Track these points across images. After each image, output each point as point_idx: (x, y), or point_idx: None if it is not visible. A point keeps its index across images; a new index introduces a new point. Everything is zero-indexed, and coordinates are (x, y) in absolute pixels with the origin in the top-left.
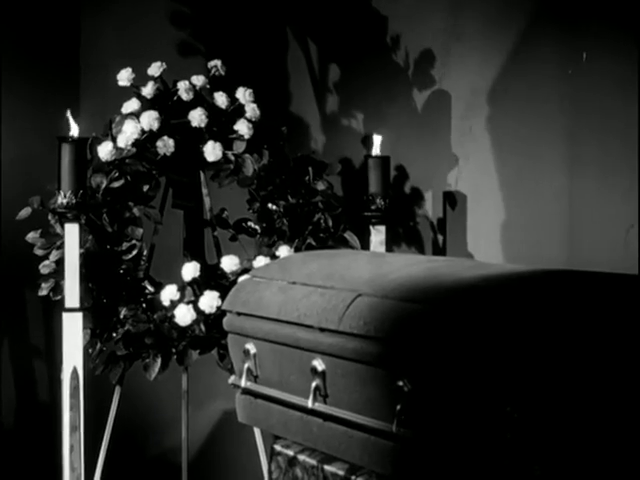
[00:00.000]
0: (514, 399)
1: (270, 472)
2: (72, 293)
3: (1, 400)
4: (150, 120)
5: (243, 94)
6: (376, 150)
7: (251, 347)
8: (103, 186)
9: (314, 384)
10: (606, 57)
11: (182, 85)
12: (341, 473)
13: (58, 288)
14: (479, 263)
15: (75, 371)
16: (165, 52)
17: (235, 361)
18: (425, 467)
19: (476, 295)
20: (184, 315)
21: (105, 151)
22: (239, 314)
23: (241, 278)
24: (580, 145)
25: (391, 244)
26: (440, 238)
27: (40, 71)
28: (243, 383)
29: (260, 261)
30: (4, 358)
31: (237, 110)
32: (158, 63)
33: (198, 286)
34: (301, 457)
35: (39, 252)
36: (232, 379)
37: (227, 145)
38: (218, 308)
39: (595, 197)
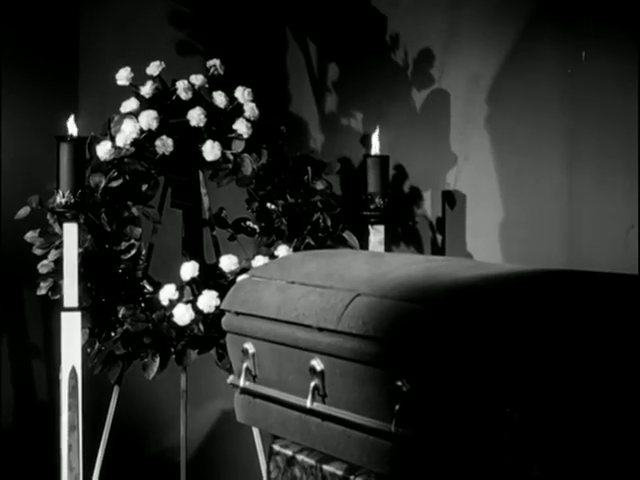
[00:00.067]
0: (513, 399)
1: (269, 472)
2: (71, 292)
3: (0, 399)
4: (149, 119)
5: (242, 93)
6: (375, 146)
7: (250, 347)
8: (102, 185)
9: (313, 384)
10: (605, 56)
11: (181, 84)
12: (340, 473)
13: (57, 287)
14: (478, 263)
15: (74, 370)
16: (164, 51)
17: (234, 361)
18: (424, 467)
19: (475, 295)
20: (183, 315)
21: (104, 150)
22: (238, 314)
23: (240, 278)
24: (579, 144)
25: (390, 244)
26: (439, 238)
27: (39, 70)
28: (242, 383)
29: (259, 261)
30: (3, 357)
31: (236, 109)
32: (157, 62)
33: (197, 286)
34: (300, 457)
35: (38, 251)
36: (231, 379)
37: (226, 144)
38: (217, 308)
39: (594, 196)
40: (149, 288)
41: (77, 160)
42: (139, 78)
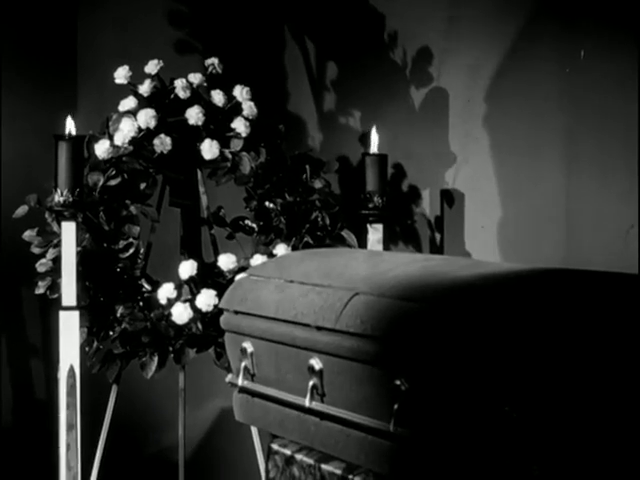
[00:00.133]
0: (512, 398)
1: (267, 471)
2: (69, 291)
3: None
4: (147, 118)
5: (240, 92)
6: (374, 144)
7: (248, 346)
8: (100, 184)
9: (311, 383)
10: (604, 55)
11: (179, 83)
12: (338, 472)
13: (55, 286)
14: (476, 262)
15: (72, 369)
16: (162, 50)
17: (232, 360)
18: (423, 466)
19: (473, 294)
20: (181, 313)
21: (102, 149)
22: (236, 312)
23: (238, 276)
24: (578, 143)
25: (388, 242)
26: (437, 236)
27: (37, 69)
28: (240, 382)
29: (257, 259)
30: (1, 356)
31: (234, 108)
32: (155, 61)
33: (195, 284)
34: (298, 456)
35: (36, 250)
36: (229, 377)
37: (224, 143)
38: (215, 306)
39: (593, 195)
40: (147, 287)
41: (75, 159)
42: (137, 77)
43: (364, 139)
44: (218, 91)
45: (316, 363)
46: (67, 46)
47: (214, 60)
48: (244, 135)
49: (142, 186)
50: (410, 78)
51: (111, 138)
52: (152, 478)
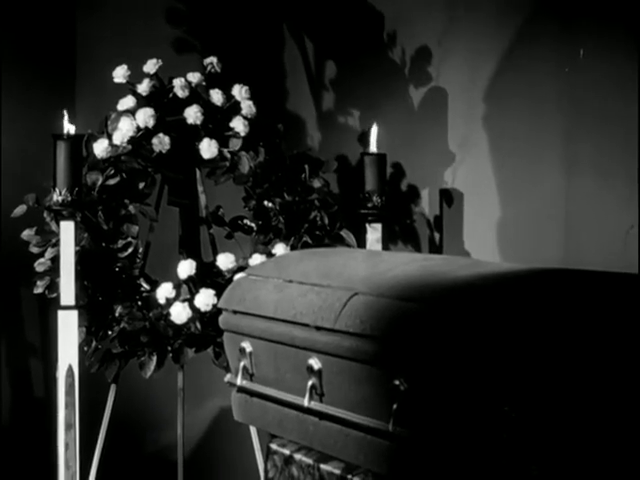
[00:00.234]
0: (511, 398)
1: (266, 471)
2: (67, 291)
3: None
4: (146, 117)
5: (239, 91)
6: (372, 144)
7: (247, 345)
8: (99, 183)
9: (310, 383)
10: (604, 54)
11: (178, 82)
12: (337, 472)
13: (53, 286)
14: (475, 261)
15: (70, 369)
16: (161, 49)
17: (231, 359)
18: (421, 466)
19: (473, 294)
20: (180, 313)
21: (101, 148)
22: (235, 312)
23: (237, 276)
24: (577, 143)
25: (387, 242)
26: (437, 236)
27: (36, 68)
28: (239, 381)
29: (256, 259)
30: (0, 356)
31: (233, 107)
32: (154, 60)
33: (194, 284)
34: (297, 456)
35: (34, 250)
36: (228, 377)
37: (223, 142)
38: (214, 306)
39: (592, 196)
40: (146, 286)
41: (74, 158)
42: (136, 76)
43: (363, 138)
44: (217, 90)
45: (315, 363)
46: (66, 45)
47: (213, 59)
48: (243, 134)
49: (141, 185)
50: (409, 77)
51: (110, 137)
52: (151, 477)
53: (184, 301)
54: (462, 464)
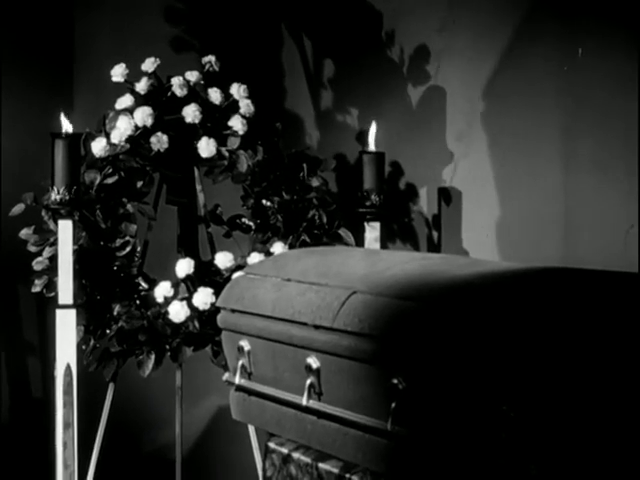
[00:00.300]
0: (510, 398)
1: (264, 470)
2: (65, 290)
3: None
4: (144, 116)
5: (237, 90)
6: (371, 142)
7: (245, 344)
8: (97, 182)
9: (308, 381)
10: (603, 52)
11: (176, 81)
12: (335, 471)
13: (51, 285)
14: (474, 260)
15: (68, 368)
16: (159, 48)
17: (229, 358)
18: (420, 465)
19: (471, 293)
20: (178, 312)
21: (99, 147)
22: (233, 311)
23: (235, 275)
24: (576, 141)
25: (386, 241)
26: (435, 234)
27: (34, 67)
28: (237, 380)
29: (254, 258)
30: None
31: (231, 106)
32: (152, 59)
33: (192, 283)
34: (295, 455)
35: (32, 248)
36: (226, 376)
37: (221, 141)
38: (212, 305)
39: (592, 194)
40: (144, 285)
41: (72, 157)
42: (134, 74)
43: (361, 137)
44: (215, 89)
45: (313, 362)
46: (64, 44)
47: (211, 58)
48: (241, 133)
49: (139, 184)
50: (408, 76)
51: (108, 136)
52: (149, 476)
53: (182, 300)
54: (460, 463)
